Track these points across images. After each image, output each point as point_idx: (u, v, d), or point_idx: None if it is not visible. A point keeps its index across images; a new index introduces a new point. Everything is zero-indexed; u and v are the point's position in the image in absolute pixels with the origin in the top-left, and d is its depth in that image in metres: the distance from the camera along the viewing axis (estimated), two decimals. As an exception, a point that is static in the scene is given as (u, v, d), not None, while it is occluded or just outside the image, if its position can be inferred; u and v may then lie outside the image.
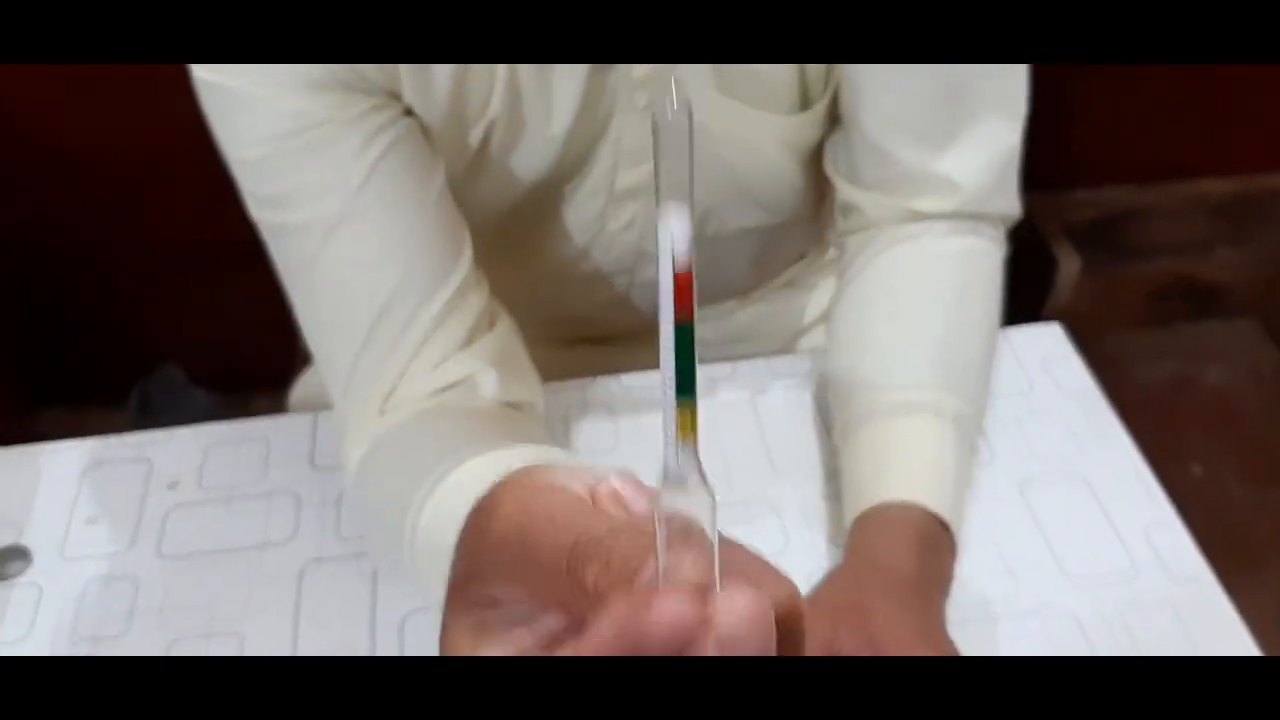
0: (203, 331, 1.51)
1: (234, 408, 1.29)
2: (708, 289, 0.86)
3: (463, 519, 0.42)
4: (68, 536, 0.72)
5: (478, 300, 0.65)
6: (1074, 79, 1.37)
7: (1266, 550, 1.15)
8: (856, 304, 0.75)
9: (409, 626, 0.67)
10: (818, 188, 0.79)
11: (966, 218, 0.74)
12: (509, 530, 0.37)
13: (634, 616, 0.29)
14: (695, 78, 0.68)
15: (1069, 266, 1.43)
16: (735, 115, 0.70)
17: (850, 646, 0.59)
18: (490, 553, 0.37)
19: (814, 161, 0.76)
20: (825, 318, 0.91)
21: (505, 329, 0.67)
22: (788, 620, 0.31)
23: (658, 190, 0.26)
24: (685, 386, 0.28)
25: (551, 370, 0.73)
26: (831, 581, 0.65)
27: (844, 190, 0.76)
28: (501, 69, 0.64)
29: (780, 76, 0.70)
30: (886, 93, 0.70)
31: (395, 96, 0.63)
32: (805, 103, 0.72)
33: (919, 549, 0.63)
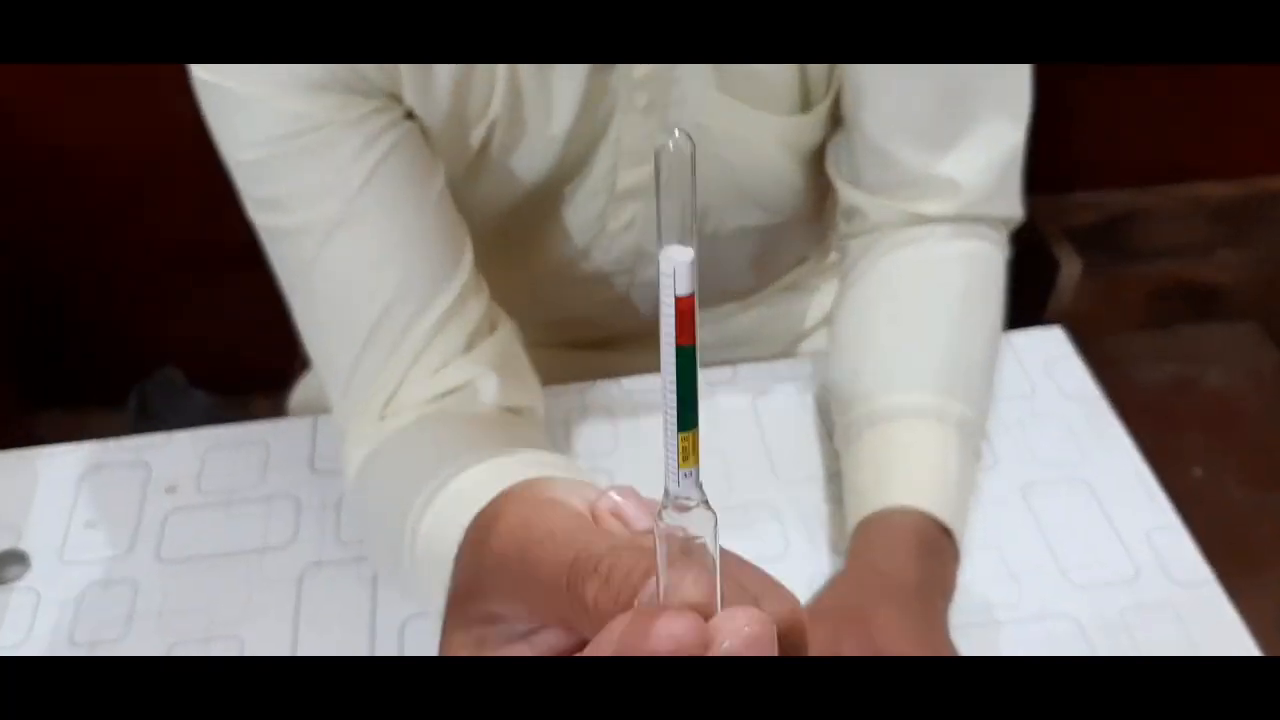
0: (202, 332, 1.50)
1: (233, 409, 1.29)
2: (707, 290, 0.85)
3: (463, 528, 0.42)
4: (66, 541, 0.72)
5: (478, 305, 0.65)
6: (1075, 81, 1.37)
7: (1267, 552, 1.15)
8: (858, 307, 0.75)
9: (409, 631, 0.67)
10: (818, 189, 0.78)
11: (969, 220, 0.74)
12: (509, 545, 0.37)
13: (635, 636, 0.29)
14: (696, 77, 0.67)
15: (1070, 269, 1.42)
16: (736, 115, 0.70)
17: (852, 653, 0.58)
18: (490, 568, 0.37)
19: (814, 163, 0.76)
20: (827, 321, 0.91)
21: (506, 333, 0.67)
22: (789, 635, 0.31)
23: (659, 221, 0.26)
24: (687, 421, 0.28)
25: (552, 373, 0.73)
26: (833, 588, 0.65)
27: (846, 193, 0.75)
28: (502, 69, 0.64)
29: (782, 77, 0.70)
30: (888, 95, 0.70)
31: (396, 98, 0.63)
32: (806, 104, 0.72)
33: (921, 555, 0.62)
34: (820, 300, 0.93)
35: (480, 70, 0.64)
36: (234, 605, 0.68)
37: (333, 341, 0.64)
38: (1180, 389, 1.34)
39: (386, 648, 0.66)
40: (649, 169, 0.71)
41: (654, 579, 0.30)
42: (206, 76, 0.59)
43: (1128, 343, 1.39)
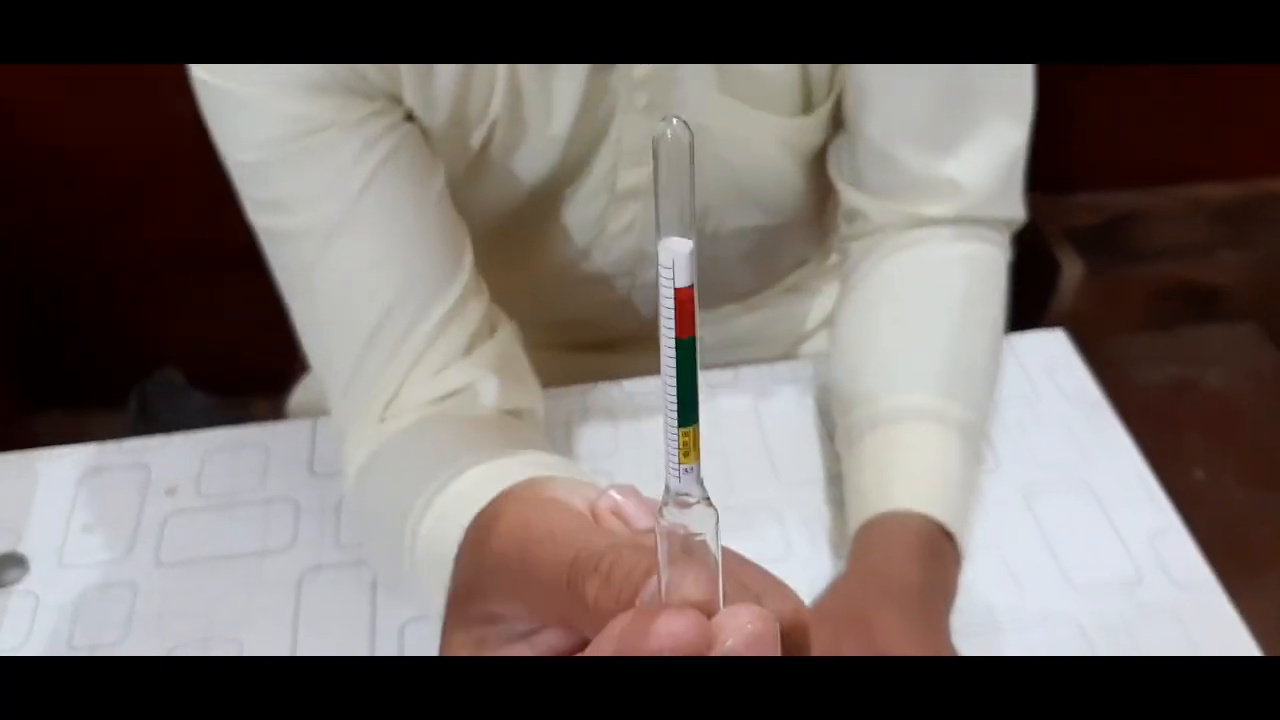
0: (202, 332, 1.50)
1: (233, 410, 1.29)
2: (707, 291, 0.85)
3: (463, 529, 0.42)
4: (65, 544, 0.72)
5: (478, 307, 0.65)
6: (1075, 82, 1.37)
7: (1269, 554, 1.15)
8: (860, 309, 0.75)
9: (408, 634, 0.66)
10: (819, 191, 0.78)
11: (971, 222, 0.73)
12: (509, 545, 0.37)
13: (636, 635, 0.29)
14: (697, 77, 0.67)
15: (1071, 270, 1.42)
16: (737, 116, 0.69)
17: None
18: (490, 567, 0.37)
19: (816, 165, 0.76)
20: (828, 323, 0.91)
21: (506, 336, 0.66)
22: (792, 634, 0.31)
23: (657, 213, 0.26)
24: (687, 417, 0.28)
25: (552, 375, 0.73)
26: (834, 591, 0.65)
27: (848, 195, 0.75)
28: (502, 70, 0.64)
29: (783, 78, 0.70)
30: (891, 96, 0.70)
31: (396, 100, 0.63)
32: (808, 105, 0.72)
33: (923, 559, 0.62)
34: (821, 302, 0.93)
35: (481, 71, 0.63)
36: (233, 608, 0.68)
37: (333, 344, 0.64)
38: (1180, 390, 1.34)
39: (386, 651, 0.66)
40: (649, 169, 0.71)
41: (655, 578, 0.30)
42: (206, 77, 0.59)
43: (1128, 344, 1.39)
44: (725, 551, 0.30)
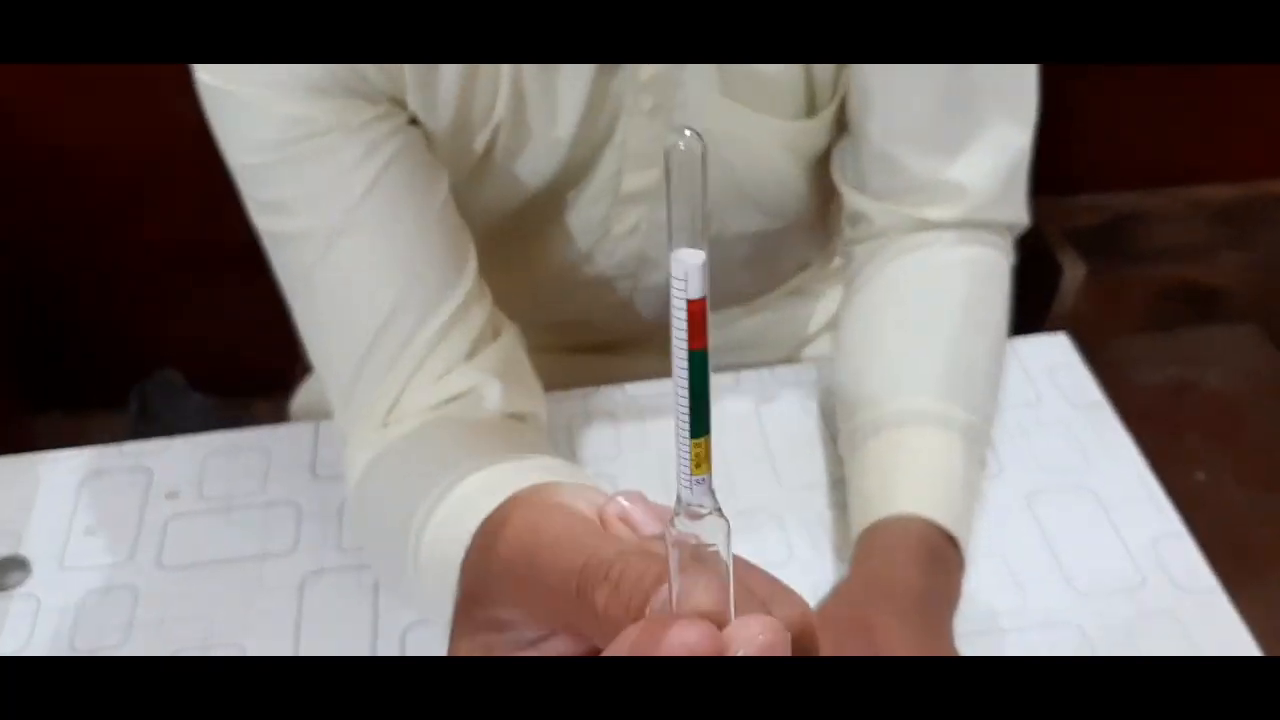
0: (202, 333, 1.50)
1: (233, 411, 1.29)
2: (711, 295, 0.85)
3: (468, 534, 0.42)
4: (66, 547, 0.72)
5: (481, 312, 0.64)
6: (1076, 83, 1.37)
7: (1270, 555, 1.15)
8: (864, 313, 0.75)
9: (410, 639, 0.66)
10: (822, 194, 0.78)
11: (974, 226, 0.73)
12: (516, 551, 0.36)
13: (648, 645, 0.29)
14: (699, 79, 0.67)
15: (1073, 272, 1.42)
16: (739, 118, 0.69)
17: (856, 663, 0.58)
18: (498, 573, 0.37)
19: (819, 168, 0.76)
20: (831, 326, 0.91)
21: (509, 340, 0.66)
22: (800, 640, 0.31)
23: (670, 224, 0.26)
24: (699, 428, 0.28)
25: (554, 378, 0.73)
26: (837, 597, 0.65)
27: (851, 199, 0.75)
28: (506, 73, 0.63)
29: (786, 81, 0.69)
30: (894, 99, 0.70)
31: (399, 104, 0.63)
32: (812, 108, 0.72)
33: (926, 565, 0.62)
34: (824, 305, 0.93)
35: (484, 74, 0.63)
36: (235, 612, 0.68)
37: (335, 348, 0.64)
38: (1181, 392, 1.34)
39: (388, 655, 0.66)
40: (655, 173, 0.71)
41: (664, 586, 0.30)
42: (209, 80, 0.59)
43: (1128, 345, 1.39)
44: (733, 557, 0.30)
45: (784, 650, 0.29)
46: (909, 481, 0.66)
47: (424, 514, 0.54)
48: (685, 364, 0.27)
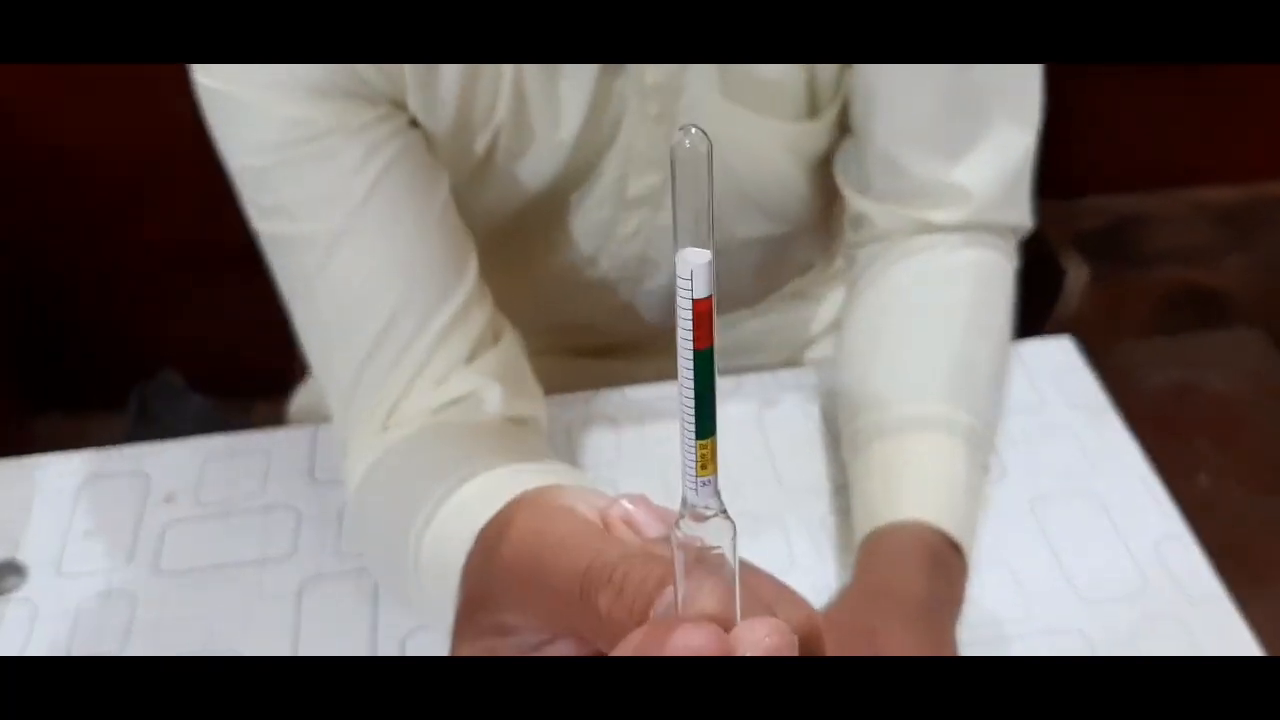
0: (202, 333, 1.50)
1: (233, 413, 1.29)
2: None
3: (469, 538, 0.42)
4: (64, 551, 0.71)
5: (481, 315, 0.64)
6: (1079, 85, 1.37)
7: (1275, 560, 1.14)
8: (867, 316, 0.74)
9: (410, 645, 0.66)
10: (824, 197, 0.78)
11: (978, 229, 0.73)
12: (520, 554, 0.36)
13: (653, 649, 0.29)
14: (701, 81, 0.67)
15: (1077, 275, 1.42)
16: (741, 122, 0.69)
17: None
18: (500, 576, 0.37)
19: (821, 170, 0.76)
20: (832, 329, 0.90)
21: (509, 343, 0.66)
22: (807, 643, 0.31)
23: (675, 223, 0.26)
24: (705, 429, 0.27)
25: (554, 381, 0.73)
26: (840, 603, 0.64)
27: (854, 201, 0.75)
28: (507, 74, 0.63)
29: (788, 83, 0.69)
30: (898, 101, 0.69)
31: (399, 106, 0.62)
32: (814, 110, 0.71)
33: (930, 571, 0.62)
34: (826, 308, 0.93)
35: (485, 75, 0.63)
36: (233, 618, 0.67)
37: (335, 351, 0.63)
38: (1185, 395, 1.33)
39: (387, 661, 0.65)
40: (659, 176, 0.70)
41: (668, 589, 0.30)
42: (208, 82, 0.59)
43: (1132, 349, 1.38)
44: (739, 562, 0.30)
45: (791, 653, 0.29)
46: (912, 486, 0.65)
47: (425, 518, 0.54)
48: (691, 364, 0.27)
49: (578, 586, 0.32)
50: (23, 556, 0.71)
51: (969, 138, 0.71)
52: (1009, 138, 0.71)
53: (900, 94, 0.69)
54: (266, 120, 0.59)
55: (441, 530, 0.53)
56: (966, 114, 0.70)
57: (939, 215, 0.72)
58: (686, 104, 0.67)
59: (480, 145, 0.66)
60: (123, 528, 0.72)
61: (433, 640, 0.66)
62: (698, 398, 0.27)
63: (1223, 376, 1.33)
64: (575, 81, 0.64)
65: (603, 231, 0.74)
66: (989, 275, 0.74)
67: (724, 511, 0.29)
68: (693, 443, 0.28)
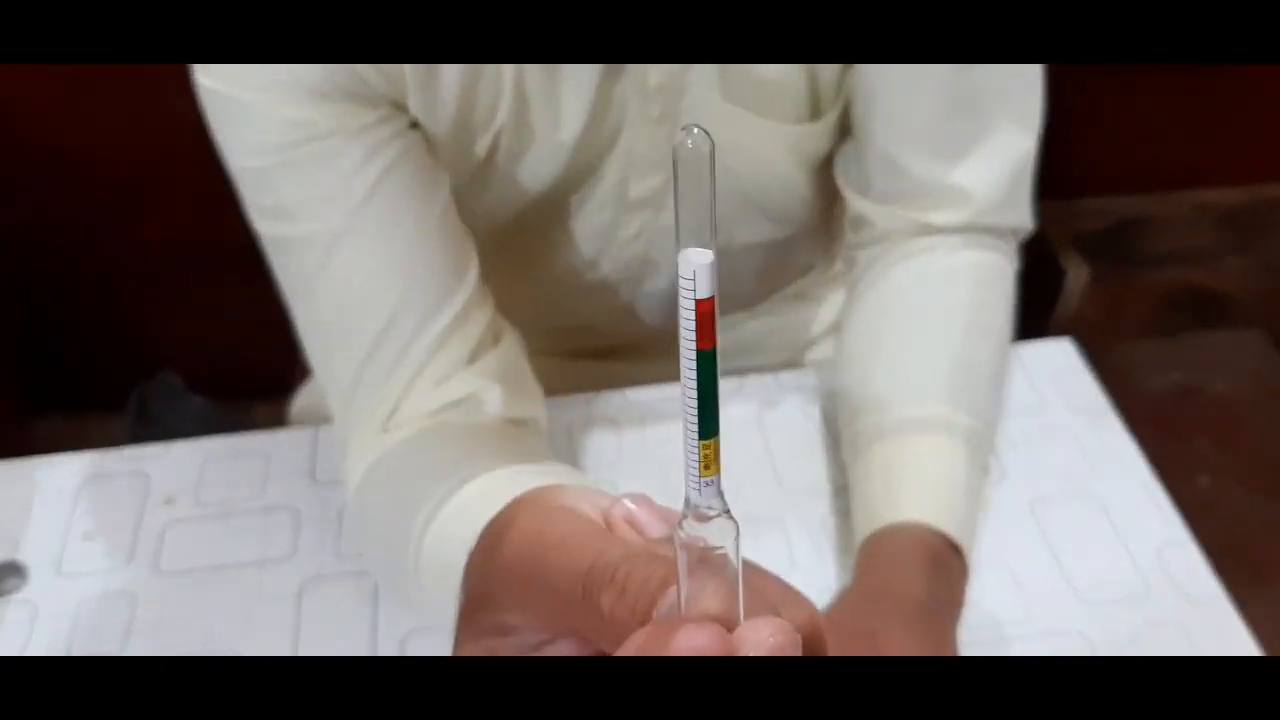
0: (202, 333, 1.50)
1: (233, 414, 1.28)
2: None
3: (469, 539, 0.42)
4: (64, 552, 0.71)
5: (482, 317, 0.64)
6: (1080, 87, 1.37)
7: (1276, 562, 1.14)
8: (867, 318, 0.74)
9: (410, 646, 0.66)
10: (825, 199, 0.78)
11: (978, 230, 0.73)
12: (522, 554, 0.36)
13: (655, 649, 0.29)
14: (702, 83, 0.67)
15: (1077, 277, 1.42)
16: (742, 124, 0.69)
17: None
18: (502, 576, 0.37)
19: (823, 172, 0.75)
20: (833, 330, 0.90)
21: (509, 345, 0.66)
22: (810, 643, 0.31)
23: (677, 224, 0.26)
24: (708, 429, 0.28)
25: (555, 382, 0.73)
26: (840, 605, 0.64)
27: (855, 203, 0.75)
28: (508, 76, 0.63)
29: (789, 84, 0.69)
30: (898, 102, 0.69)
31: (399, 108, 0.62)
32: (815, 112, 0.71)
33: (930, 573, 0.62)
34: (827, 309, 0.93)
35: (486, 76, 0.63)
36: (233, 619, 0.67)
37: (335, 353, 0.63)
38: (1186, 397, 1.34)
39: (387, 662, 0.65)
40: (662, 178, 0.70)
41: (671, 589, 0.30)
42: (209, 83, 0.59)
43: (1133, 350, 1.39)
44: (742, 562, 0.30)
45: (795, 653, 0.29)
46: (913, 488, 0.65)
47: (425, 518, 0.54)
48: (694, 365, 0.27)
49: (580, 586, 0.32)
50: (23, 557, 0.71)
51: (970, 139, 0.70)
52: (1010, 139, 0.71)
53: (901, 95, 0.69)
54: (267, 121, 0.59)
55: (442, 531, 0.53)
56: (967, 115, 0.70)
57: (939, 217, 0.72)
58: (688, 106, 0.67)
59: (481, 147, 0.66)
60: (123, 529, 0.72)
61: (433, 640, 0.66)
62: (701, 398, 0.27)
63: (1223, 378, 1.33)
64: (576, 83, 0.64)
65: (604, 233, 0.74)
66: (989, 277, 0.73)
67: (727, 512, 0.29)
68: (696, 443, 0.28)
